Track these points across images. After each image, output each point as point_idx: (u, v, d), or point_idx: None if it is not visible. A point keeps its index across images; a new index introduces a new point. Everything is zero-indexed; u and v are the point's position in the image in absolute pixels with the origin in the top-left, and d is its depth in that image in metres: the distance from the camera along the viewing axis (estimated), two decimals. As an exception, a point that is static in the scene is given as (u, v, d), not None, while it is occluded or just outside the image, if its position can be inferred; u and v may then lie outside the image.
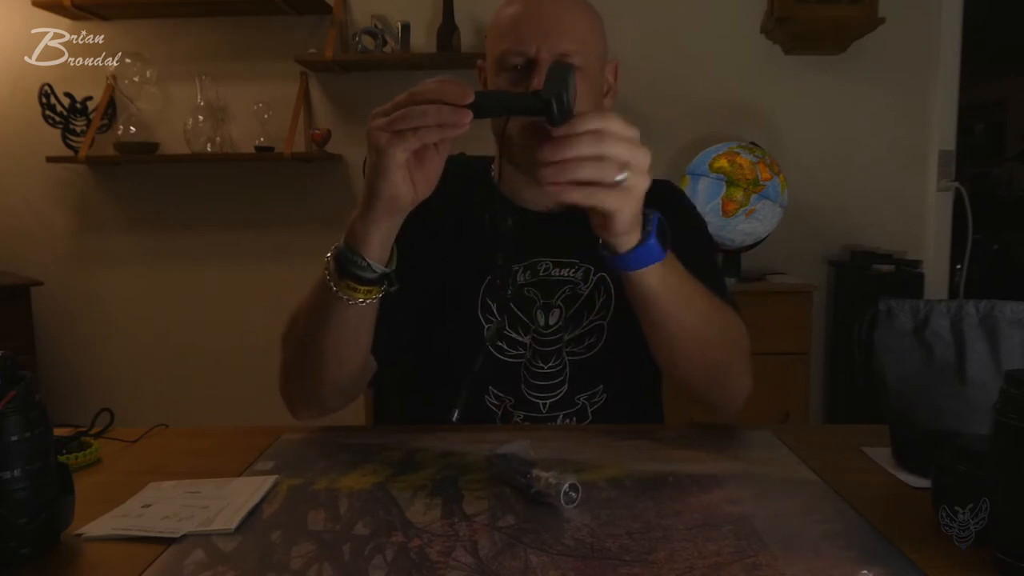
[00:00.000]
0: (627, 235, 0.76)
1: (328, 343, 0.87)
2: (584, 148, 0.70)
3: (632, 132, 0.72)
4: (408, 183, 0.76)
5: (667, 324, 0.85)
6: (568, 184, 0.71)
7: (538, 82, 0.90)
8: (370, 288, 0.81)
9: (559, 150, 0.70)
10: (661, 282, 0.80)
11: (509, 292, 1.01)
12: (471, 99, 0.71)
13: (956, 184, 2.80)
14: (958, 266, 2.89)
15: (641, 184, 0.73)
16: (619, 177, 0.71)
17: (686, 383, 0.94)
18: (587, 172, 0.71)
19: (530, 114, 0.73)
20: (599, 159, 0.71)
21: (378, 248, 0.79)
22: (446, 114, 0.70)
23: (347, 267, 0.79)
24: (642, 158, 0.73)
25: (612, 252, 0.78)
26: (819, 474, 0.81)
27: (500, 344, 1.02)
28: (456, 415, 0.87)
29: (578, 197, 0.72)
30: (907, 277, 2.60)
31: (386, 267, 0.81)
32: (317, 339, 0.87)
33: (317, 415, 0.98)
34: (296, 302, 0.92)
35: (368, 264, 0.79)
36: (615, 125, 0.71)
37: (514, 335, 1.02)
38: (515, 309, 1.02)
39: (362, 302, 0.82)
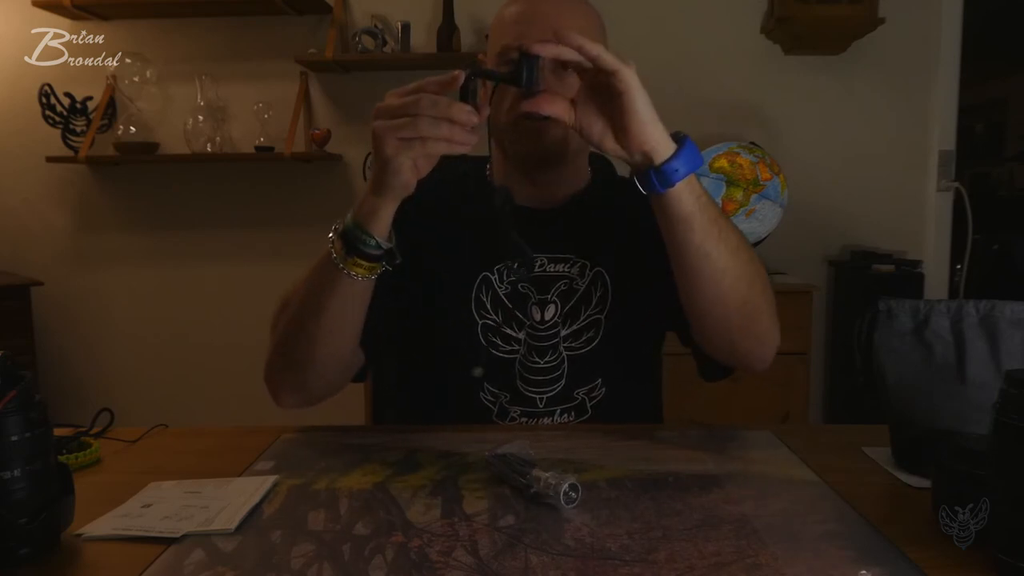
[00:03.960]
0: (658, 133, 0.83)
1: (325, 319, 0.89)
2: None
3: None
4: (415, 172, 0.80)
5: (706, 251, 0.85)
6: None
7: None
8: (373, 265, 0.84)
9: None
10: (697, 201, 0.84)
11: (523, 271, 1.01)
12: (476, 121, 0.77)
13: (956, 184, 2.80)
14: (958, 266, 2.89)
15: (633, 73, 0.83)
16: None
17: (720, 330, 0.92)
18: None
19: (504, 80, 0.79)
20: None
21: (384, 227, 0.83)
22: (457, 134, 0.76)
23: (355, 244, 0.83)
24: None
25: (653, 165, 0.81)
26: (819, 474, 0.81)
27: (494, 340, 1.02)
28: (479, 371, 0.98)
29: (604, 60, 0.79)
30: (907, 277, 2.60)
31: (389, 243, 0.85)
32: (315, 316, 0.89)
33: (300, 403, 0.98)
34: (290, 287, 0.94)
35: (377, 242, 0.83)
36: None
37: (509, 331, 1.03)
38: (509, 305, 1.03)
39: (366, 277, 0.85)
